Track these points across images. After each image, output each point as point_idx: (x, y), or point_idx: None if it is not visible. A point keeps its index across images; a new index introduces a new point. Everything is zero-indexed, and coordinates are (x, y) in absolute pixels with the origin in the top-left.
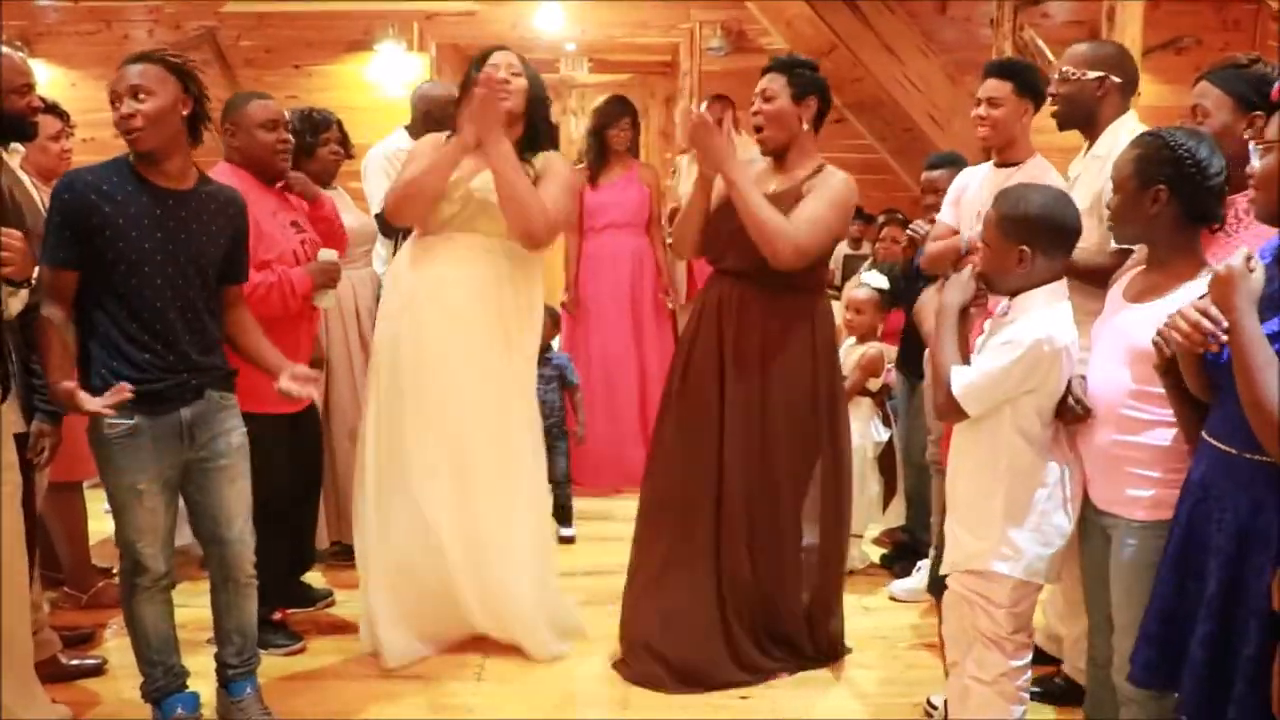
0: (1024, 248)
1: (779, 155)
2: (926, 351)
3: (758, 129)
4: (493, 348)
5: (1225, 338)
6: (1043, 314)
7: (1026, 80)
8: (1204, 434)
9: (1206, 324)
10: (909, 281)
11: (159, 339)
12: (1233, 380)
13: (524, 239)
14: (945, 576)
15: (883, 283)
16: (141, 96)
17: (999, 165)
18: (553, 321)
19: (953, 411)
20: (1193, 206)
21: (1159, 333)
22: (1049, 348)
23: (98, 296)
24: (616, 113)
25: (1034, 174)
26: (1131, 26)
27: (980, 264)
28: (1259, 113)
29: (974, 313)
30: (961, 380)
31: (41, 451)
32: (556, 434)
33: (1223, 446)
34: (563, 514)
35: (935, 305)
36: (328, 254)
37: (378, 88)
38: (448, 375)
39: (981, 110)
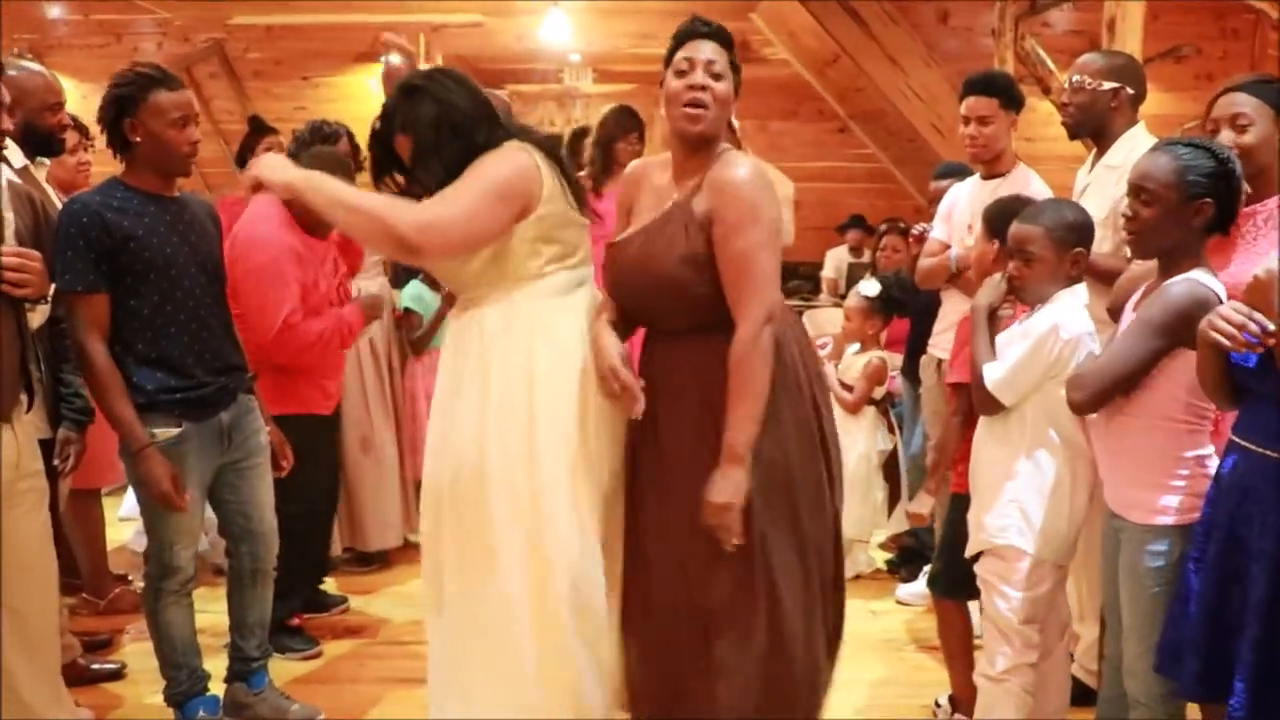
0: (1079, 249)
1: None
2: (923, 359)
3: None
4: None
5: (1271, 341)
6: (1054, 307)
7: (1010, 92)
8: (1235, 437)
9: (1253, 326)
10: (907, 291)
11: (199, 341)
12: (1267, 383)
13: (393, 250)
14: (944, 575)
15: (871, 290)
16: (198, 121)
17: (986, 177)
18: None
19: (989, 403)
20: (1223, 220)
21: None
22: (1065, 334)
23: (135, 312)
24: (628, 126)
25: (1019, 182)
26: (1132, 36)
27: (1027, 277)
28: None
29: (1004, 314)
30: (992, 375)
31: (67, 459)
32: None
33: (1259, 449)
34: None
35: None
36: (369, 289)
37: (384, 98)
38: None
39: (972, 130)
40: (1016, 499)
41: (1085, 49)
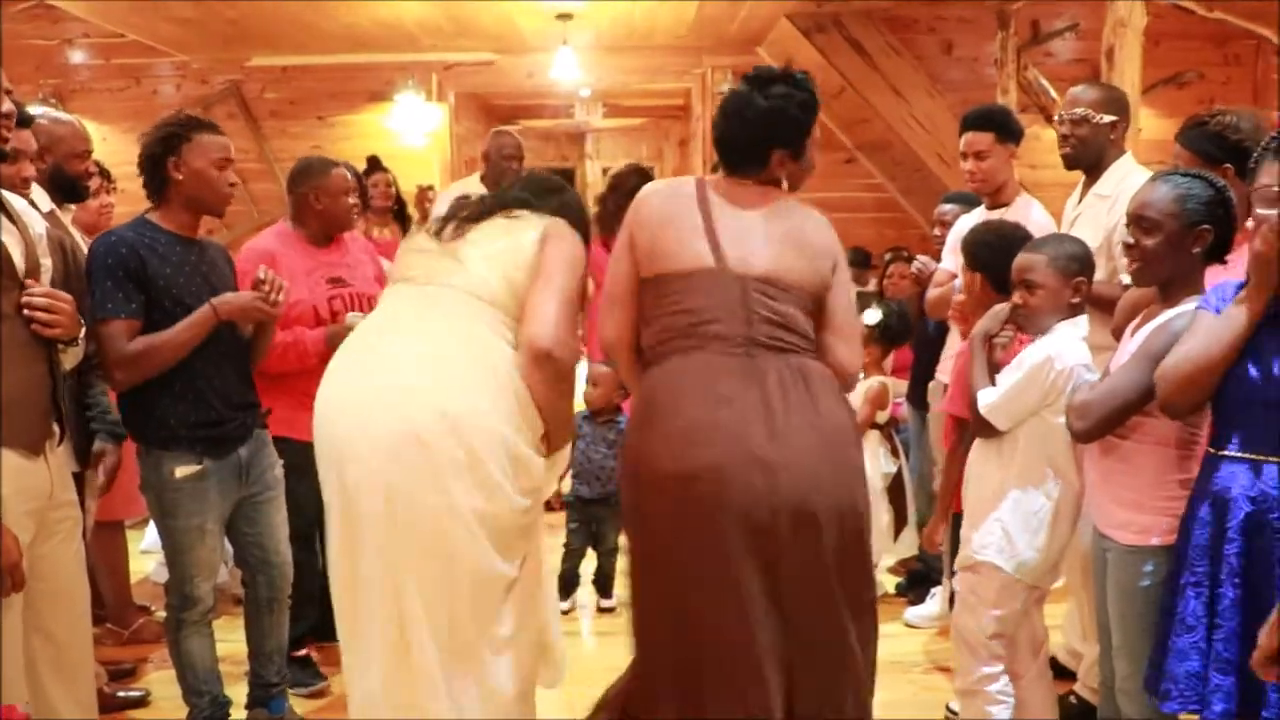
0: (1081, 279)
1: None
2: (930, 384)
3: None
4: None
5: None
6: (1052, 337)
7: (1006, 126)
8: (1243, 454)
9: None
10: (905, 322)
11: (220, 378)
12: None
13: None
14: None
15: (872, 318)
16: (232, 166)
17: (990, 208)
18: (620, 386)
19: (985, 427)
20: (1222, 246)
21: None
22: (1060, 364)
23: None
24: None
25: (1021, 213)
26: (1130, 65)
27: (1033, 308)
28: (1227, 165)
29: (1000, 341)
30: (985, 400)
31: (104, 468)
32: (614, 502)
33: (1272, 459)
34: (604, 584)
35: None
36: (354, 317)
37: (398, 136)
38: None
39: (970, 165)
40: (1001, 519)
41: (1088, 77)
